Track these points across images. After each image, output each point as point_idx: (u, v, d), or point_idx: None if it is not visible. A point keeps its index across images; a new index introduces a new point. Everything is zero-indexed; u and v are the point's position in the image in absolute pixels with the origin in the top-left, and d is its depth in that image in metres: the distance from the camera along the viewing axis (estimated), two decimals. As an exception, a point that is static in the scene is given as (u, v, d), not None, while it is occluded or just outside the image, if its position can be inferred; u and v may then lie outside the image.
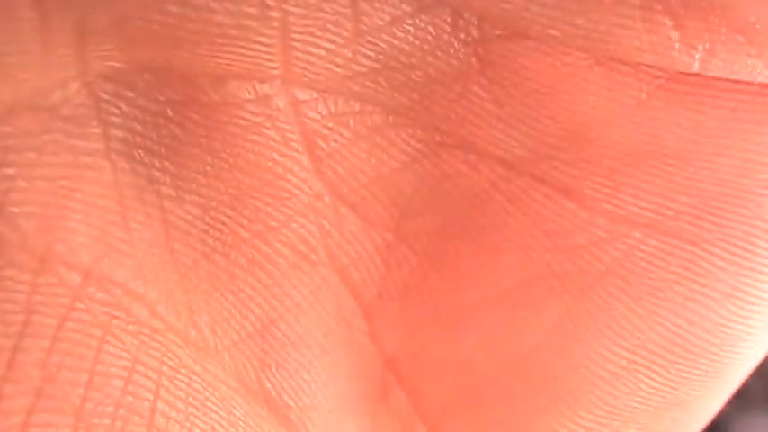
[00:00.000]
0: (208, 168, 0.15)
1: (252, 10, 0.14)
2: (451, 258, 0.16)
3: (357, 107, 0.15)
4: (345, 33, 0.14)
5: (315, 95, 0.15)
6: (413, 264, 0.16)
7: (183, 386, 0.15)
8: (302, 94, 0.15)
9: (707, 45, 0.14)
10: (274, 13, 0.14)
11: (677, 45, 0.14)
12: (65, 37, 0.14)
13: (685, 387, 0.16)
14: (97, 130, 0.15)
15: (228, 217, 0.15)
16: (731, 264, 0.15)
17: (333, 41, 0.14)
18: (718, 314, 0.15)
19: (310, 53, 0.14)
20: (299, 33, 0.14)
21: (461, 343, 0.16)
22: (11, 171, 0.14)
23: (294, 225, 0.15)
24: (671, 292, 0.15)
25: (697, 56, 0.14)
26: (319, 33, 0.14)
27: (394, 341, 0.16)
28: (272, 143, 0.15)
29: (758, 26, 0.13)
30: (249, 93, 0.15)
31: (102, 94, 0.14)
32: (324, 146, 0.15)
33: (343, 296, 0.16)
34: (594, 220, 0.15)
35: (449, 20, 0.14)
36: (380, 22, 0.14)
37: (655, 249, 0.15)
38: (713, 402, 0.17)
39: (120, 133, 0.15)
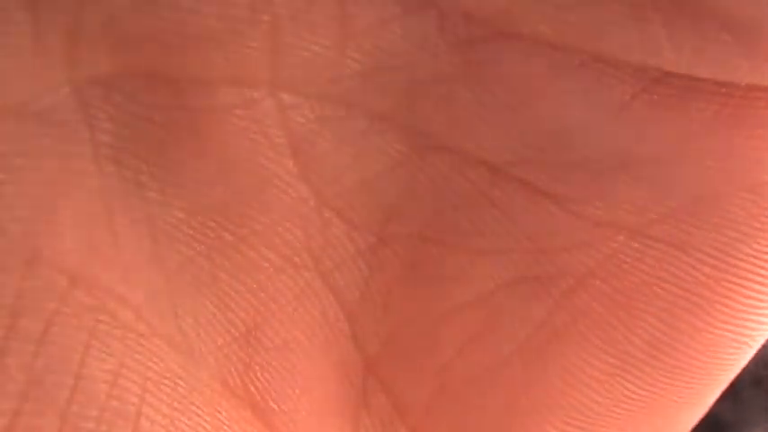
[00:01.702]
0: (194, 173, 0.15)
1: (242, 13, 0.14)
2: (434, 261, 0.16)
3: (343, 112, 0.15)
4: (333, 36, 0.14)
5: (301, 100, 0.15)
6: (395, 267, 0.16)
7: (168, 390, 0.15)
8: (289, 99, 0.15)
9: (695, 43, 0.14)
10: (264, 17, 0.14)
11: (665, 42, 0.14)
12: (55, 40, 0.14)
13: (669, 394, 0.16)
14: (85, 135, 0.14)
15: (214, 221, 0.15)
16: (715, 269, 0.15)
17: (320, 44, 0.14)
18: (702, 320, 0.15)
19: (298, 56, 0.14)
20: (288, 36, 0.14)
21: (442, 346, 0.16)
22: (1, 176, 0.14)
23: (279, 229, 0.15)
24: (653, 296, 0.15)
25: (685, 54, 0.14)
26: (307, 36, 0.14)
27: (376, 344, 0.16)
28: (258, 147, 0.15)
29: (746, 26, 0.13)
30: (236, 97, 0.15)
31: (91, 99, 0.14)
32: (309, 150, 0.15)
33: (327, 300, 0.16)
34: (577, 223, 0.15)
35: (435, 21, 0.14)
36: (367, 25, 0.14)
37: (638, 253, 0.15)
38: (697, 409, 0.17)
39: (107, 138, 0.15)
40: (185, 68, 0.14)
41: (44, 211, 0.14)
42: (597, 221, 0.15)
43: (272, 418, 0.15)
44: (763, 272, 0.15)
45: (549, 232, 0.15)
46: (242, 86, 0.15)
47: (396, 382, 0.16)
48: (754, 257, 0.15)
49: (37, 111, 0.14)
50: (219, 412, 0.15)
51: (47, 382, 0.14)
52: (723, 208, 0.15)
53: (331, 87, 0.15)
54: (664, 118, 0.15)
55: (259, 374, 0.15)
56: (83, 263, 0.15)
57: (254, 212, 0.15)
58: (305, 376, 0.16)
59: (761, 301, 0.15)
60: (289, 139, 0.15)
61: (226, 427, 0.15)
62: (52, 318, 0.14)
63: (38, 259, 0.14)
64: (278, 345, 0.16)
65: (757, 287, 0.15)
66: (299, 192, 0.15)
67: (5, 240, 0.14)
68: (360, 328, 0.16)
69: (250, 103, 0.15)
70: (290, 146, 0.15)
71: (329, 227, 0.15)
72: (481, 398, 0.16)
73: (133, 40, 0.14)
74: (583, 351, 0.16)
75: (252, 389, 0.15)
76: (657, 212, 0.15)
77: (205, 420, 0.15)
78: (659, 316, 0.15)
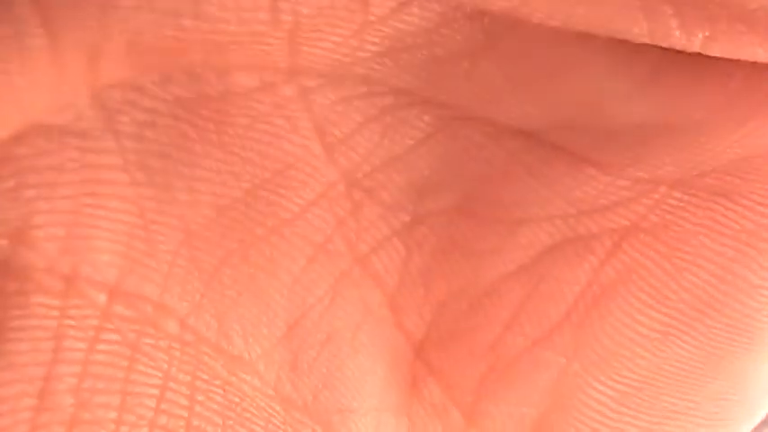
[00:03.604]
0: (219, 164, 0.14)
1: (264, 16, 0.14)
2: (472, 235, 0.15)
3: (365, 89, 0.15)
4: (353, 26, 0.14)
5: (322, 81, 0.14)
6: (433, 244, 0.15)
7: (218, 398, 0.14)
8: (309, 82, 0.14)
9: (707, 33, 0.13)
10: (287, 17, 0.14)
11: (677, 32, 0.13)
12: (74, 55, 0.13)
13: (728, 355, 0.15)
14: (112, 144, 0.14)
15: (242, 214, 0.15)
16: (765, 217, 0.15)
17: (341, 35, 0.14)
18: (757, 275, 0.15)
19: (317, 47, 0.14)
20: (308, 32, 0.14)
21: (489, 321, 0.15)
22: (31, 193, 0.14)
23: (308, 216, 0.15)
24: (701, 247, 0.15)
25: (697, 43, 0.14)
26: (328, 29, 0.14)
27: (421, 328, 0.15)
28: (281, 132, 0.14)
29: (760, 14, 0.13)
30: (255, 81, 0.14)
31: (112, 103, 0.14)
32: (335, 131, 0.15)
33: (366, 287, 0.15)
34: (618, 182, 0.15)
35: (453, 2, 0.14)
36: (387, 11, 0.14)
37: (681, 202, 0.15)
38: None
39: (133, 144, 0.14)
40: (203, 61, 0.14)
41: (80, 225, 0.14)
42: (637, 180, 0.15)
43: (328, 419, 0.15)
44: None
45: (590, 195, 0.15)
46: (261, 71, 0.14)
47: (445, 366, 0.16)
48: None
49: (61, 124, 0.14)
50: (274, 416, 0.15)
51: (94, 403, 0.13)
52: (764, 163, 0.15)
53: (351, 68, 0.14)
54: (700, 84, 0.14)
55: (307, 373, 0.15)
56: (122, 276, 0.14)
57: (282, 200, 0.15)
58: (355, 371, 0.15)
59: None
60: (313, 122, 0.15)
61: None
62: (96, 336, 0.14)
63: (76, 277, 0.14)
64: (322, 340, 0.15)
65: None
66: (326, 175, 0.15)
67: (43, 260, 0.14)
68: (403, 313, 0.15)
69: (270, 87, 0.14)
70: (314, 128, 0.15)
71: (361, 209, 0.15)
72: (533, 369, 0.16)
73: (156, 53, 0.14)
74: (631, 308, 0.15)
75: (303, 390, 0.15)
76: (698, 169, 0.15)
77: (260, 426, 0.14)
78: (708, 269, 0.15)
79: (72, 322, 0.14)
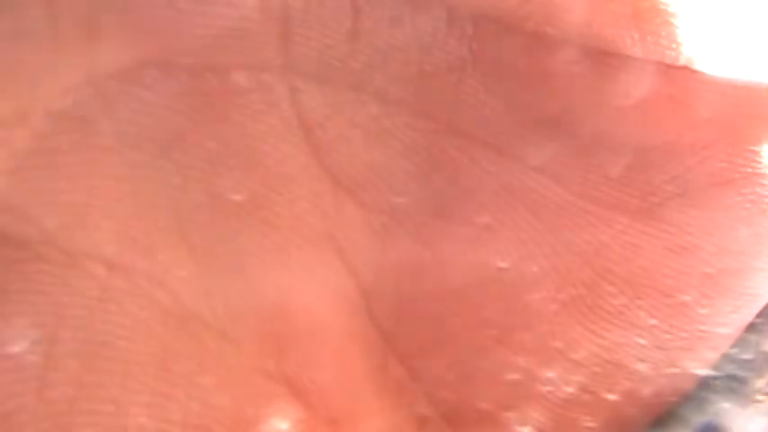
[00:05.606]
0: (213, 156, 0.15)
1: (254, 1, 0.15)
2: (443, 238, 0.16)
3: (353, 97, 0.16)
4: (344, 31, 0.15)
5: (313, 86, 0.15)
6: (407, 244, 0.16)
7: (212, 371, 0.15)
8: (301, 84, 0.15)
9: (694, 45, 0.14)
10: (276, 5, 0.15)
11: (666, 42, 0.15)
12: (74, 35, 0.14)
13: None
14: (109, 128, 0.15)
15: (234, 203, 0.16)
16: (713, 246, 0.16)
17: (331, 37, 0.15)
18: (698, 303, 0.16)
19: (309, 46, 0.15)
20: (299, 27, 0.15)
21: (453, 318, 0.16)
22: (32, 173, 0.15)
23: (297, 210, 0.16)
24: (656, 273, 0.16)
25: (684, 54, 0.15)
26: (318, 28, 0.15)
27: (391, 319, 0.16)
28: (273, 130, 0.15)
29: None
30: (251, 81, 0.15)
31: (111, 94, 0.15)
32: (322, 134, 0.16)
33: (345, 278, 0.16)
34: (583, 205, 0.16)
35: (445, 18, 0.15)
36: (378, 21, 0.15)
37: (640, 233, 0.16)
38: None
39: (129, 128, 0.15)
40: (200, 57, 0.15)
41: (78, 204, 0.15)
42: (601, 204, 0.16)
43: (308, 397, 0.16)
44: None
45: (555, 212, 0.16)
46: (256, 71, 0.15)
47: (411, 354, 0.17)
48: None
49: (61, 108, 0.15)
50: (259, 392, 0.15)
51: (99, 368, 0.14)
52: (721, 194, 0.16)
53: (342, 76, 0.15)
54: (663, 109, 0.15)
55: (293, 354, 0.16)
56: (118, 251, 0.15)
57: (272, 193, 0.16)
58: (334, 353, 0.16)
59: None
60: (301, 122, 0.15)
61: (265, 407, 0.15)
62: (96, 305, 0.15)
63: (76, 250, 0.15)
64: (307, 323, 0.16)
65: None
66: (313, 172, 0.16)
67: (41, 234, 0.15)
68: (375, 304, 0.16)
69: (264, 87, 0.15)
70: (302, 128, 0.16)
71: (343, 208, 0.16)
72: (494, 366, 0.16)
73: (150, 31, 0.15)
74: (592, 325, 0.16)
75: (287, 369, 0.16)
76: (662, 196, 0.16)
77: (248, 397, 0.15)
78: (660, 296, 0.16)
79: (73, 290, 0.14)
